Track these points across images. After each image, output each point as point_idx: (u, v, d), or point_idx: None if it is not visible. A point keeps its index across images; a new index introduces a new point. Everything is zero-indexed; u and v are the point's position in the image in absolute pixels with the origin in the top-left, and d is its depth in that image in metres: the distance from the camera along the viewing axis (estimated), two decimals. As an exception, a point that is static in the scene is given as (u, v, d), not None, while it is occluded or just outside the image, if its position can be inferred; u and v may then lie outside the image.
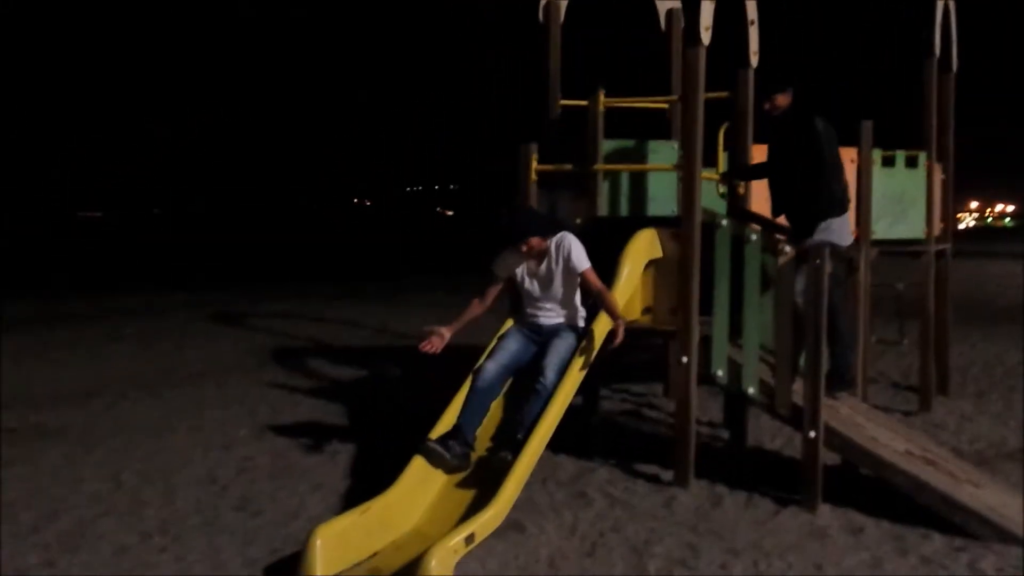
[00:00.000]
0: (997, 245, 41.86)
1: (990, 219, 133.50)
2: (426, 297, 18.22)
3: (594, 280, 5.53)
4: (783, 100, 6.08)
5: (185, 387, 8.74)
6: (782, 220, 6.41)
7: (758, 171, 6.66)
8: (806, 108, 6.08)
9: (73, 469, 6.06)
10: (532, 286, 5.67)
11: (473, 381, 5.34)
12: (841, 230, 6.21)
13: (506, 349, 5.52)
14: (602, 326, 5.54)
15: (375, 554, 4.49)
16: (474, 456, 5.19)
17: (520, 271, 5.71)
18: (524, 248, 5.56)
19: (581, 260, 5.54)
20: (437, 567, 4.01)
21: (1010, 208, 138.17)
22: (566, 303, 5.65)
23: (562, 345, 5.46)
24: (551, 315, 5.65)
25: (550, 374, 5.27)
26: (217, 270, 26.83)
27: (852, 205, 6.70)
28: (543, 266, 5.62)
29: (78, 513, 5.22)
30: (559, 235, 5.63)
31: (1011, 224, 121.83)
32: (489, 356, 5.49)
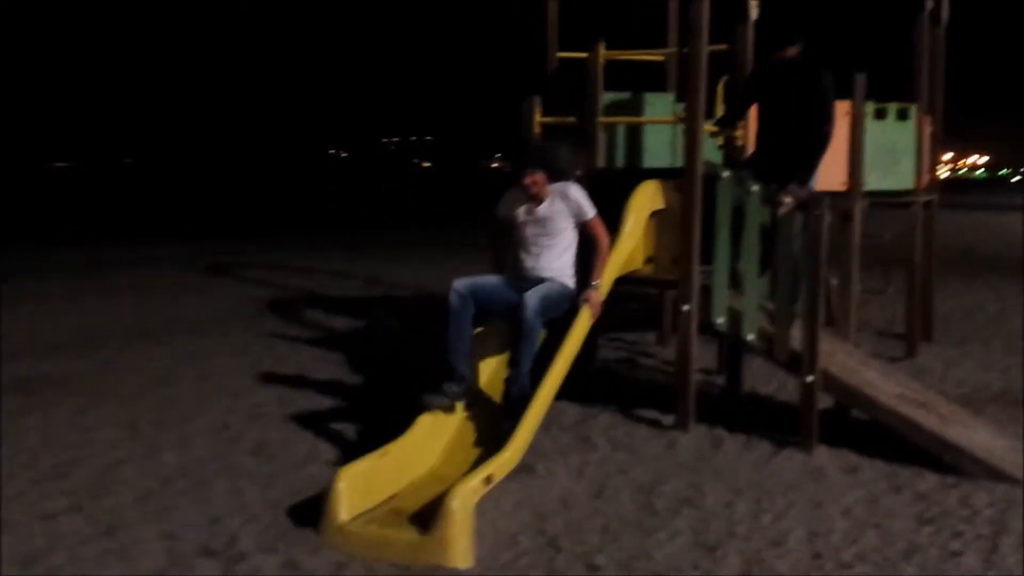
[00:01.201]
0: (971, 196, 42.36)
1: (963, 171, 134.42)
2: (411, 248, 18.32)
3: (599, 230, 5.53)
4: (793, 51, 6.18)
5: (187, 337, 8.83)
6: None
7: (742, 109, 6.75)
8: (816, 60, 6.19)
9: (87, 417, 6.17)
10: (529, 231, 5.55)
11: (448, 305, 5.30)
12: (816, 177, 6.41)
13: (481, 277, 5.50)
14: (609, 276, 5.66)
15: (395, 495, 4.65)
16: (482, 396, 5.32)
17: (520, 212, 5.59)
18: (528, 180, 5.43)
19: (589, 207, 5.54)
20: (459, 506, 4.16)
21: (982, 160, 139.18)
22: (558, 256, 5.54)
23: (544, 287, 5.38)
24: (540, 267, 5.53)
25: (531, 303, 5.17)
26: (198, 221, 26.71)
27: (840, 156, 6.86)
28: (542, 210, 5.52)
29: (98, 460, 5.34)
30: (564, 184, 5.58)
31: (983, 176, 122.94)
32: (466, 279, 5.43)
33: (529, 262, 5.55)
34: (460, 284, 5.34)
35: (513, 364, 5.23)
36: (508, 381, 5.24)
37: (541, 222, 5.53)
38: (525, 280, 5.49)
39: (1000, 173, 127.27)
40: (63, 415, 6.22)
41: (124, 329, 9.26)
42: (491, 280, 5.53)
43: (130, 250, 17.36)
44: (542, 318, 5.26)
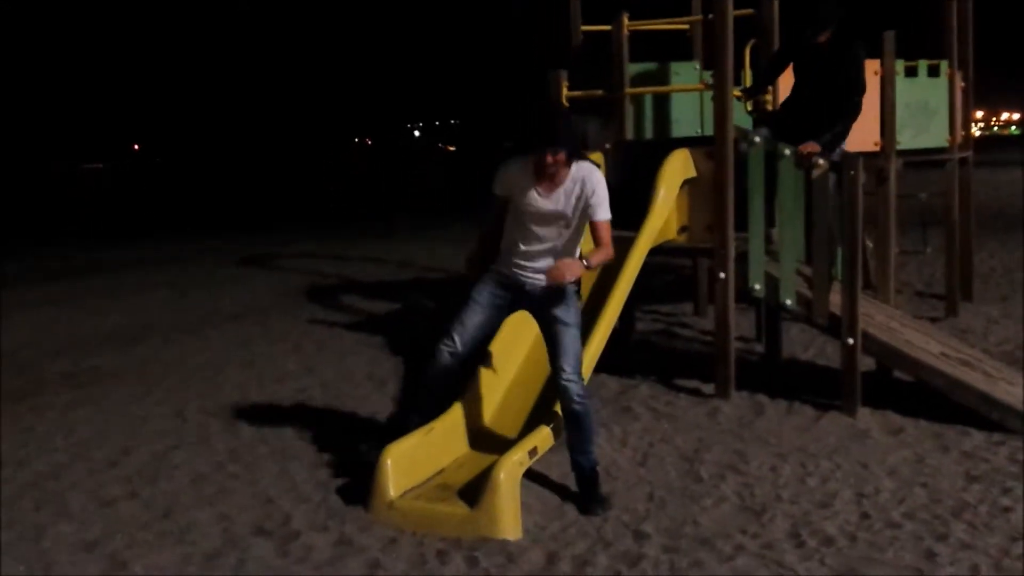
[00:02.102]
0: (1005, 153, 41.67)
1: (996, 128, 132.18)
2: (442, 231, 18.36)
3: (607, 236, 4.43)
4: (826, 36, 6.10)
5: (228, 328, 8.94)
6: None
7: (771, 78, 6.70)
8: (848, 32, 6.14)
9: (136, 408, 6.28)
10: (535, 222, 4.43)
11: (436, 361, 4.60)
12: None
13: (466, 318, 4.59)
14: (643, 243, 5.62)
15: (441, 471, 4.70)
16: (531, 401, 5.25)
17: (524, 196, 4.41)
18: (551, 159, 4.20)
19: (607, 208, 4.43)
20: (506, 479, 4.21)
21: (1015, 116, 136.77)
22: (564, 253, 4.49)
23: (565, 331, 4.42)
24: (539, 269, 4.45)
25: (571, 383, 4.38)
26: (231, 215, 26.95)
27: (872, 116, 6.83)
28: (553, 198, 4.37)
29: (150, 448, 5.44)
30: (586, 167, 4.39)
31: (1017, 132, 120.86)
32: (452, 329, 4.59)
33: (527, 265, 4.51)
34: (452, 341, 4.56)
35: (581, 450, 4.47)
36: (575, 469, 4.53)
37: (553, 214, 4.41)
38: (521, 292, 4.56)
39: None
40: (112, 406, 6.34)
41: (165, 322, 9.39)
42: (478, 315, 4.60)
43: (165, 247, 17.56)
44: (582, 375, 4.50)
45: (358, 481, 4.73)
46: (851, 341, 5.57)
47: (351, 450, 5.28)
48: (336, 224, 21.71)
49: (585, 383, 4.52)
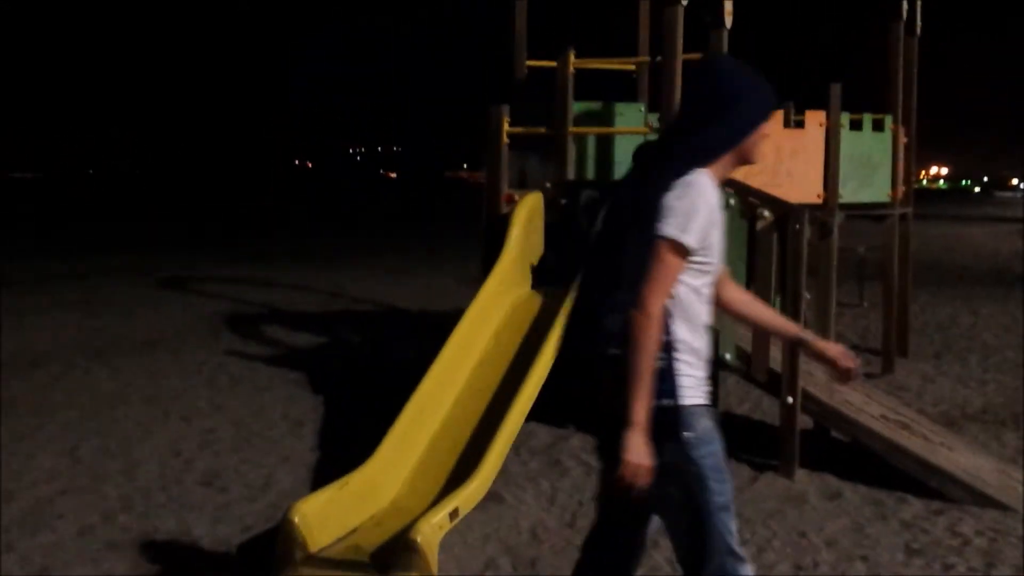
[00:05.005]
0: (935, 207, 42.73)
1: (924, 182, 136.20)
2: (375, 259, 18.00)
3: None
4: None
5: (138, 356, 8.45)
6: None
7: None
8: None
9: (25, 444, 5.80)
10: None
11: None
12: None
13: None
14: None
15: (355, 530, 4.35)
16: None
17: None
18: None
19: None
20: (424, 543, 3.88)
21: (944, 171, 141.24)
22: None
23: None
24: None
25: None
26: (159, 233, 26.17)
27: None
28: None
29: (35, 491, 4.99)
30: None
31: (945, 186, 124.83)
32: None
33: None
34: None
35: None
36: None
37: None
38: None
39: (963, 184, 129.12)
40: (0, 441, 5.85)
41: (71, 347, 8.85)
42: None
43: (83, 263, 16.81)
44: None
45: (263, 538, 4.37)
46: (791, 400, 5.37)
47: (259, 500, 4.92)
48: (267, 247, 21.12)
49: None
